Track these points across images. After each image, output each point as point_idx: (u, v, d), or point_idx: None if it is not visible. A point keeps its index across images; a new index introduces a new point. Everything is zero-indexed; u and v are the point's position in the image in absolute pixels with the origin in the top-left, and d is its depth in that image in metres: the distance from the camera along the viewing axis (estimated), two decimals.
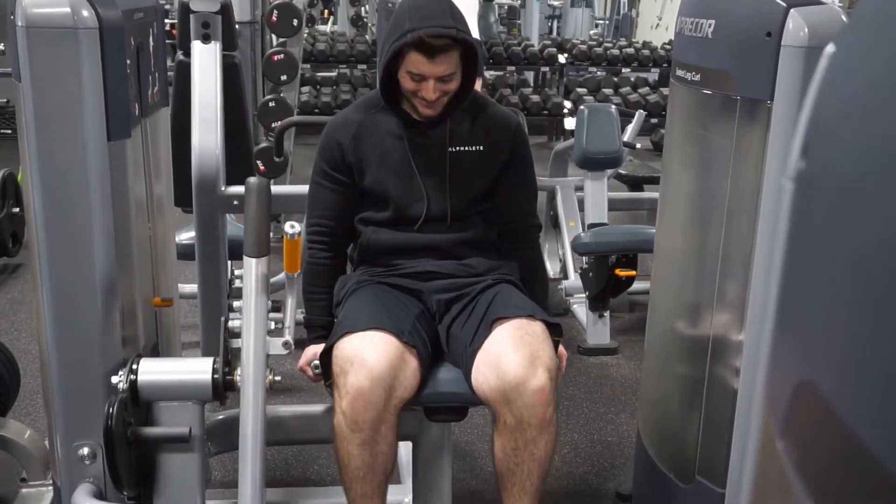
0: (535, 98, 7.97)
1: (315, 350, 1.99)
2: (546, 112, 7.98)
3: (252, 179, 1.85)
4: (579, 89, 8.37)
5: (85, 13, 1.66)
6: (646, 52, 9.17)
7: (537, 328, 1.86)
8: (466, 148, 2.04)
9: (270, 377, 1.85)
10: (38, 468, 2.33)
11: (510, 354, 1.79)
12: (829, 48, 0.53)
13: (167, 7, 7.89)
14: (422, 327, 1.92)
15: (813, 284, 0.51)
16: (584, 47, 9.08)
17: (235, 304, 2.59)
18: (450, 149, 2.03)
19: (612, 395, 3.33)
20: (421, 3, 1.93)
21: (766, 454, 0.54)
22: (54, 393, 1.86)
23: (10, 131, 6.62)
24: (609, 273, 3.55)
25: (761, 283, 1.79)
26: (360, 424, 1.76)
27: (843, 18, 1.71)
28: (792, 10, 1.68)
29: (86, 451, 1.87)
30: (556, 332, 1.91)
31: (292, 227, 1.82)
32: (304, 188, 2.23)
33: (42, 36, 1.65)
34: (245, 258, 1.82)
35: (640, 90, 8.33)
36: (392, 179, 2.02)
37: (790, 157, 0.55)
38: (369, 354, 1.77)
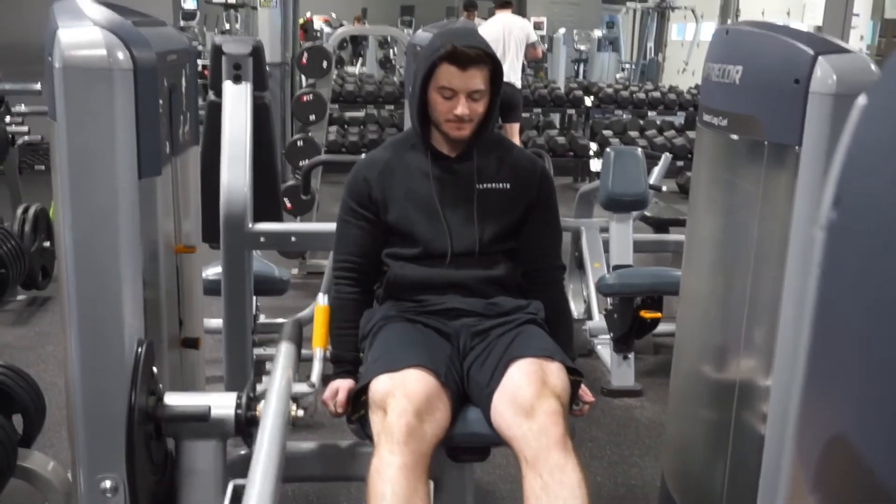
0: (561, 140, 7.99)
1: (339, 384, 1.98)
2: (572, 153, 7.99)
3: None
4: (605, 131, 8.37)
5: (120, 55, 1.69)
6: (672, 95, 9.20)
7: (553, 366, 1.86)
8: (494, 185, 2.06)
9: (294, 411, 1.84)
10: (60, 500, 2.32)
11: (524, 388, 1.80)
12: (862, 100, 0.53)
13: (200, 48, 8.05)
14: (453, 368, 1.93)
15: (846, 335, 0.50)
16: (610, 90, 9.13)
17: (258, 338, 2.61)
18: (478, 185, 2.05)
19: (637, 438, 3.28)
20: (450, 28, 2.02)
21: None
22: (79, 426, 1.87)
23: (43, 167, 6.74)
24: (634, 315, 3.52)
25: (790, 329, 1.77)
26: (401, 447, 1.71)
27: (872, 66, 1.71)
28: (820, 58, 1.68)
29: (108, 484, 1.86)
30: (575, 373, 1.90)
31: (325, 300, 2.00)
32: (330, 226, 2.24)
33: (78, 77, 1.68)
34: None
35: (665, 133, 8.32)
36: (417, 215, 2.04)
37: (821, 206, 0.55)
38: (411, 388, 1.77)
